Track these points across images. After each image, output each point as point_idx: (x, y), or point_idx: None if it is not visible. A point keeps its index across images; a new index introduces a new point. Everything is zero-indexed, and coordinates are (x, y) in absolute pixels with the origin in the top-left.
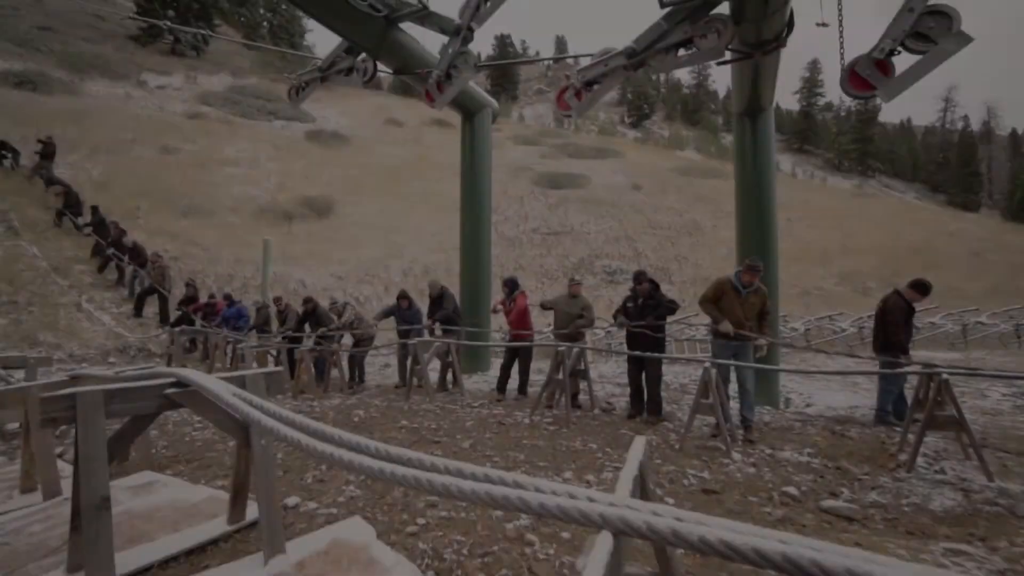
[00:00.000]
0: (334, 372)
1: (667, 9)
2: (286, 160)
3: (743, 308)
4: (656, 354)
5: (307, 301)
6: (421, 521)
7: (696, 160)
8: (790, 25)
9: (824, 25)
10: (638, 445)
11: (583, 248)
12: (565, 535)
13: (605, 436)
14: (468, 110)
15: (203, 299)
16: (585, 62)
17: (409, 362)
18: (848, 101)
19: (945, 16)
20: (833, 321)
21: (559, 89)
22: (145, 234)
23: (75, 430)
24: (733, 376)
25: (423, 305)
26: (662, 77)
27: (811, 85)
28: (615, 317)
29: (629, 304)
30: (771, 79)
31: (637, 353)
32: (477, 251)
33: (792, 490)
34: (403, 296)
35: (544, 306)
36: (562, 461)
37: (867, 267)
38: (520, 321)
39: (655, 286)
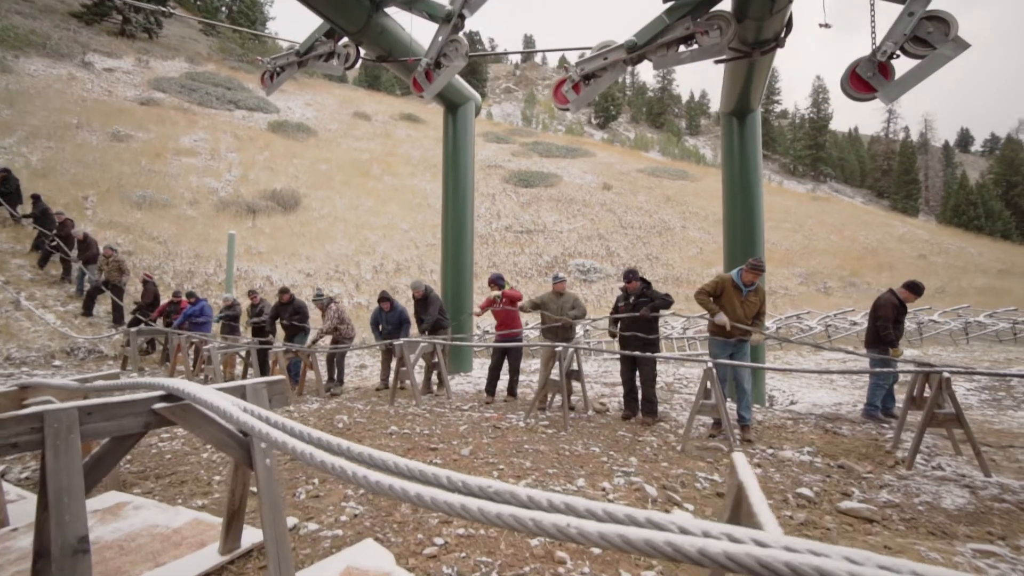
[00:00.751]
0: (309, 374)
1: (668, 3)
2: (248, 151)
3: (743, 307)
4: (651, 354)
5: (283, 292)
6: (439, 541)
7: (663, 161)
8: (789, 26)
9: (827, 26)
10: (743, 463)
11: (556, 247)
12: (595, 550)
13: (605, 439)
14: (452, 102)
15: (164, 298)
16: (557, 57)
17: (394, 363)
18: (803, 109)
19: (943, 22)
20: (800, 320)
21: (556, 82)
22: (95, 226)
23: (41, 455)
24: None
25: (404, 304)
26: (627, 79)
27: (769, 92)
28: (612, 323)
29: (621, 304)
30: (763, 80)
31: (637, 353)
32: (460, 248)
33: (806, 491)
34: (384, 299)
35: (524, 309)
36: (570, 467)
37: (827, 268)
38: (509, 320)
39: (646, 284)
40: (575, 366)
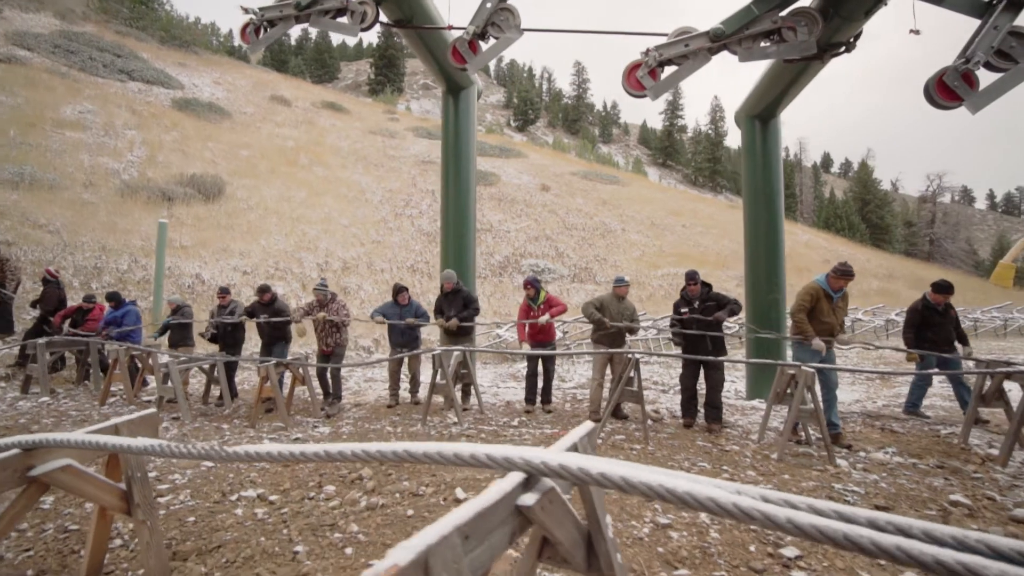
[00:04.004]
0: (298, 389)
1: None
2: (152, 130)
3: (835, 314)
4: (721, 358)
5: (264, 290)
6: None
7: (594, 165)
8: (860, 31)
9: (916, 32)
10: None
11: (506, 247)
12: None
13: (695, 452)
14: (455, 84)
15: (72, 303)
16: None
17: (435, 375)
18: (703, 125)
19: None
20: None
21: (629, 66)
22: None
23: None
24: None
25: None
26: (544, 85)
27: (674, 108)
28: (673, 332)
29: (683, 309)
30: (803, 86)
31: (701, 358)
32: (462, 244)
33: (960, 499)
34: (402, 289)
35: (588, 316)
36: None
37: None
38: (546, 326)
39: (707, 287)
40: (631, 373)
